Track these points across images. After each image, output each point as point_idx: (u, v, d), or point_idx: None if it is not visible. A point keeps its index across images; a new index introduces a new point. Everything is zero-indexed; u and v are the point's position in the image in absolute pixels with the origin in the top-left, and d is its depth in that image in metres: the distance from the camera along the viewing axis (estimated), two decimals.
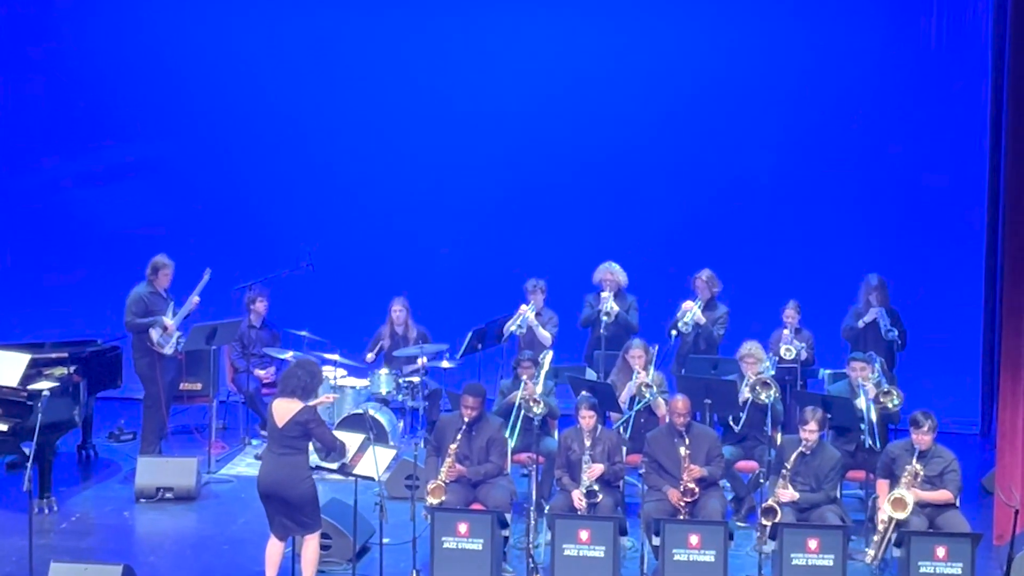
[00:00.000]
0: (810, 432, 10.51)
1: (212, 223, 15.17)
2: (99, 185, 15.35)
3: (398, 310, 13.54)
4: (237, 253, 14.78)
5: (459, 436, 10.71)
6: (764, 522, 10.25)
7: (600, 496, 10.52)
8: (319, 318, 13.91)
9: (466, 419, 10.75)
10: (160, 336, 12.44)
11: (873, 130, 14.56)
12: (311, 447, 9.60)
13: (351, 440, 9.89)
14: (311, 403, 9.45)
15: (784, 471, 10.45)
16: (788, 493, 10.43)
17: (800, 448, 10.50)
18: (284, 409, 9.42)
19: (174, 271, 12.65)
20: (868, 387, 11.31)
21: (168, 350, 12.47)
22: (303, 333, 13.34)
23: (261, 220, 15.16)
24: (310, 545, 9.59)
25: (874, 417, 11.09)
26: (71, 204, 15.38)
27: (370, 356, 13.46)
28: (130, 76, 15.25)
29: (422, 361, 13.10)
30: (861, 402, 11.18)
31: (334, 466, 9.82)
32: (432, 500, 10.44)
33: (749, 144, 14.71)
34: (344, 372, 13.30)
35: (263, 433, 13.20)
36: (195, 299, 12.63)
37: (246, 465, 12.85)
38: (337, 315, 14.48)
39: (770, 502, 10.34)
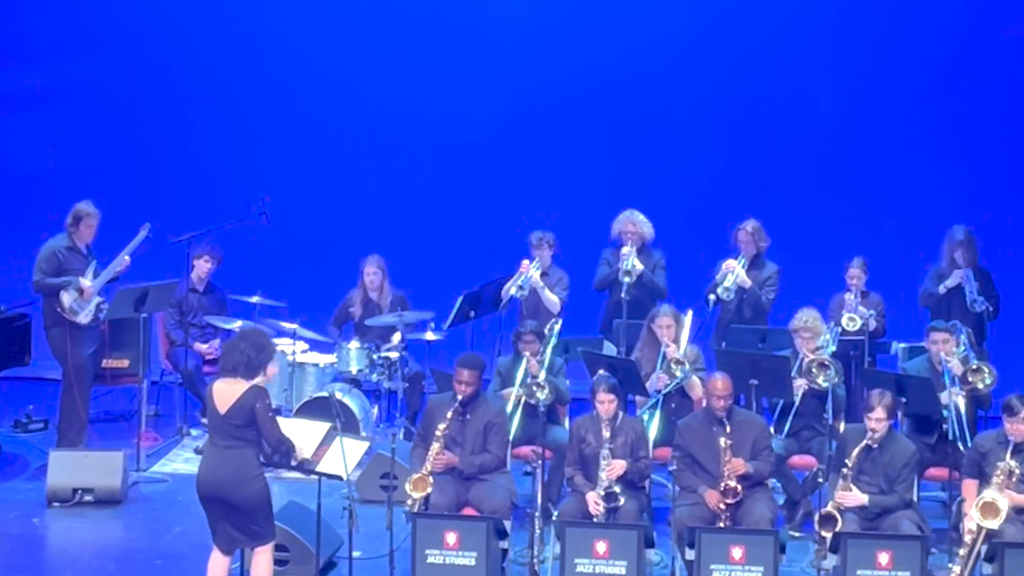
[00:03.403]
0: (876, 421, 10.48)
1: (147, 163, 15.16)
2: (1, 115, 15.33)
3: (372, 272, 13.51)
4: (177, 200, 14.77)
5: (450, 415, 10.70)
6: (823, 533, 10.19)
7: (621, 499, 10.47)
8: (275, 280, 13.91)
9: (459, 396, 10.72)
10: (73, 301, 12.34)
11: (960, 52, 14.56)
12: None
13: (313, 430, 9.83)
14: (257, 382, 9.35)
15: (846, 469, 10.43)
16: (853, 496, 10.38)
17: (865, 440, 10.47)
18: (226, 391, 9.36)
19: (99, 223, 12.60)
20: (952, 364, 11.25)
21: (83, 318, 12.38)
22: (255, 299, 13.30)
23: (206, 160, 15.13)
24: (262, 560, 9.51)
25: (960, 402, 11.02)
26: None
27: (335, 332, 13.37)
28: None
29: (397, 338, 13.03)
30: (945, 394, 11.11)
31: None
32: (414, 495, 10.41)
33: (804, 65, 14.70)
34: (305, 346, 13.29)
35: (204, 421, 13.12)
36: (125, 259, 12.57)
37: (184, 461, 12.83)
38: (297, 276, 14.49)
39: (830, 508, 10.31)
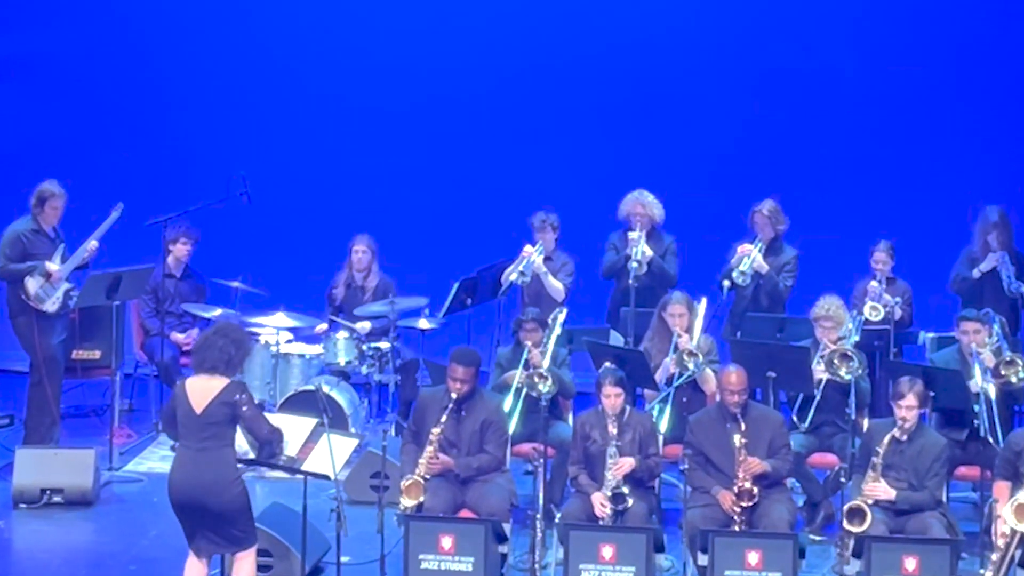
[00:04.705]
0: (907, 409, 10.47)
1: (119, 139, 15.16)
2: None
3: (361, 251, 13.51)
4: (151, 178, 14.78)
5: (444, 417, 10.67)
6: (849, 528, 10.21)
7: (629, 500, 10.47)
8: (257, 265, 13.89)
9: (454, 395, 10.71)
10: (39, 287, 12.34)
11: (992, 24, 14.56)
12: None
13: (299, 427, 9.84)
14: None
15: (875, 460, 10.43)
16: (882, 489, 10.38)
17: (894, 431, 10.46)
18: (203, 389, 9.35)
19: (66, 203, 12.58)
20: (984, 355, 11.27)
21: (50, 306, 12.38)
22: (236, 284, 13.28)
23: (183, 136, 15.14)
24: (243, 566, 9.49)
25: (993, 396, 11.03)
26: None
27: (322, 326, 13.35)
28: None
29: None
30: (976, 380, 11.13)
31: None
32: (407, 502, 10.41)
33: (825, 33, 14.70)
34: (289, 336, 13.27)
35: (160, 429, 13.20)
36: (93, 243, 12.56)
37: (160, 459, 12.79)
38: (281, 261, 14.53)
39: (858, 502, 10.30)
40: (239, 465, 9.40)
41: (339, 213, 14.73)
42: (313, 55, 15.10)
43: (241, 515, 9.36)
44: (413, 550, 10.10)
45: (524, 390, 11.30)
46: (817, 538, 11.24)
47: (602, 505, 10.46)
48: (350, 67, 15.07)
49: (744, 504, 10.40)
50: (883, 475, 10.42)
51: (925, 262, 13.36)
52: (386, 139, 15.06)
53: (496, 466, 10.80)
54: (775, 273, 12.93)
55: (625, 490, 10.47)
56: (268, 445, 9.50)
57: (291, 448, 9.69)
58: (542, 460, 10.87)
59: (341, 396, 12.66)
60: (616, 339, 12.70)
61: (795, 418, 11.43)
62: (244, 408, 9.30)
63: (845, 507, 10.33)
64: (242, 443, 9.56)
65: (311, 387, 12.42)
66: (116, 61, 15.15)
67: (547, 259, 13.09)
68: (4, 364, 13.91)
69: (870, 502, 10.30)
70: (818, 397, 11.44)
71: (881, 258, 12.74)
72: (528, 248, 12.99)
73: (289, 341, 13.27)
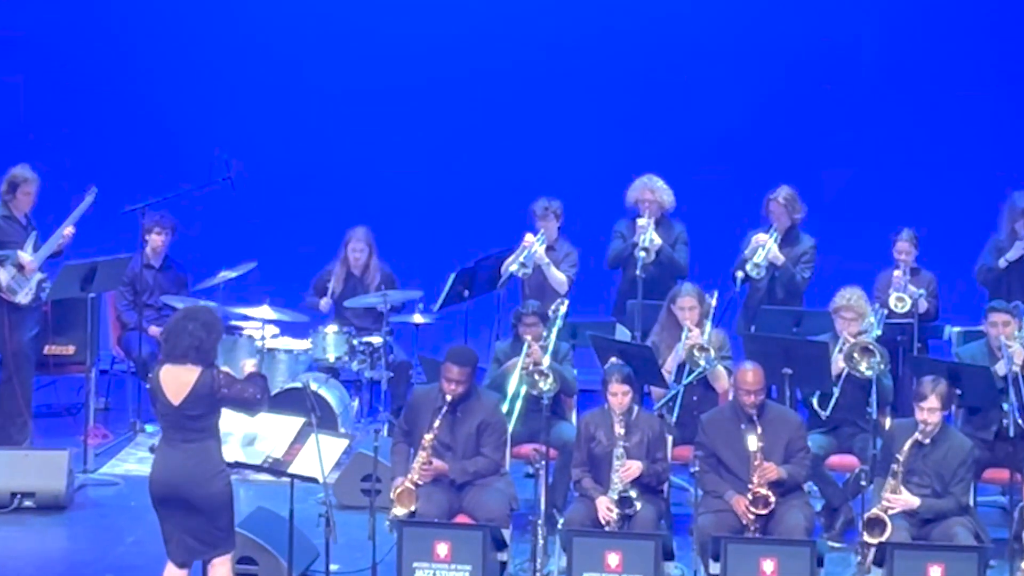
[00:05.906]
0: (929, 411, 10.44)
1: (94, 119, 15.19)
2: None
3: (359, 248, 13.53)
4: (129, 161, 14.81)
5: (439, 421, 10.65)
6: (868, 539, 10.18)
7: (637, 505, 10.47)
8: (243, 255, 13.83)
9: (449, 396, 10.69)
10: (11, 278, 12.35)
11: None
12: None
13: (285, 426, 9.86)
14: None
15: (895, 467, 10.38)
16: (903, 498, 10.35)
17: (915, 435, 10.42)
18: (177, 380, 9.35)
19: (39, 189, 12.61)
20: (1014, 349, 11.23)
21: (23, 298, 12.39)
22: (220, 276, 13.28)
23: (163, 115, 15.15)
24: (219, 573, 9.44)
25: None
26: None
27: (325, 302, 13.33)
28: None
29: (379, 340, 13.09)
30: (1002, 369, 11.13)
31: (259, 460, 9.74)
32: (399, 510, 10.42)
33: (844, 8, 14.69)
34: (275, 330, 13.27)
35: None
36: (68, 230, 12.56)
37: (137, 461, 12.82)
38: (267, 251, 14.44)
39: (876, 511, 10.28)
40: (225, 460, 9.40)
41: (330, 200, 14.79)
42: (304, 35, 15.14)
43: (223, 512, 9.33)
44: (407, 558, 10.10)
45: (526, 387, 11.29)
46: (836, 545, 11.23)
47: (608, 510, 10.45)
48: (342, 49, 15.10)
49: (759, 511, 10.38)
50: (905, 481, 10.40)
51: (950, 252, 13.39)
52: (379, 122, 15.07)
53: (494, 470, 10.79)
54: (791, 264, 12.92)
55: (632, 494, 10.46)
56: (258, 404, 9.43)
57: (278, 450, 9.69)
58: (544, 462, 10.87)
59: (330, 394, 12.67)
60: (622, 333, 12.69)
61: (816, 405, 11.40)
62: (223, 390, 9.27)
63: (864, 517, 10.32)
64: (233, 448, 9.59)
65: (298, 384, 12.41)
66: (91, 37, 15.18)
67: (549, 249, 13.07)
68: None
69: (890, 512, 10.27)
70: (836, 393, 11.42)
71: (904, 248, 12.72)
72: (529, 237, 12.97)
73: (275, 336, 13.26)
